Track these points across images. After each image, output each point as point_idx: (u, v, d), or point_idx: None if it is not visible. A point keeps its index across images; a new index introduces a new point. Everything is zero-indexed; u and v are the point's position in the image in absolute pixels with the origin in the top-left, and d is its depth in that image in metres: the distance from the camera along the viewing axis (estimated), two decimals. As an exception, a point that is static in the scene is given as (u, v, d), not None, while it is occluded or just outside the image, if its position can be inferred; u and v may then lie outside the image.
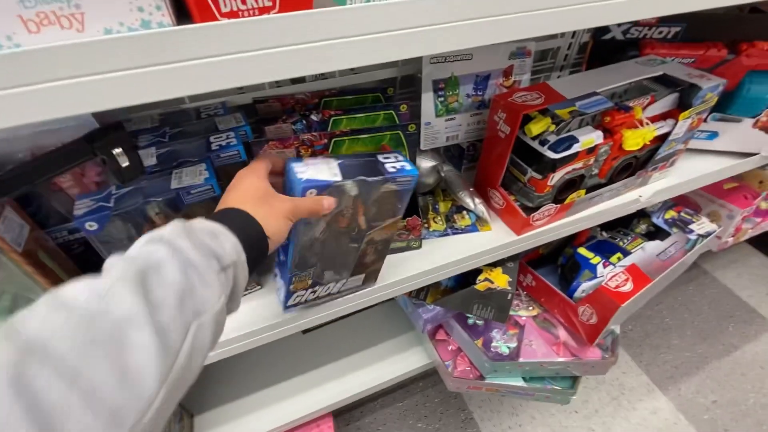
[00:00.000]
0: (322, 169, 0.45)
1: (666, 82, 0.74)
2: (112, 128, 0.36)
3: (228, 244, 0.35)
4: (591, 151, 0.69)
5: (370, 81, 0.74)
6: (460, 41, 0.40)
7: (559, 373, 0.86)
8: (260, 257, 0.39)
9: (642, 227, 0.95)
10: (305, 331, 1.05)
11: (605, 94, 0.70)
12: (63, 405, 0.21)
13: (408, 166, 0.49)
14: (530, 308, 0.92)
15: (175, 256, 0.30)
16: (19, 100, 0.27)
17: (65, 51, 0.26)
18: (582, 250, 0.88)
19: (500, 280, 0.76)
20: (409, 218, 0.65)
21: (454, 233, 0.73)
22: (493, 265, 0.80)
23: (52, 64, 0.27)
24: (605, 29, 0.85)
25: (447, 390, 1.22)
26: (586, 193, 0.74)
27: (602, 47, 0.86)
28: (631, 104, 0.70)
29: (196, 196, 0.48)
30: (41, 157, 0.33)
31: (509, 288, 0.75)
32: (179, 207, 0.49)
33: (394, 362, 0.99)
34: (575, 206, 0.75)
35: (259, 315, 0.60)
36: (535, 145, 0.67)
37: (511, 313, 0.91)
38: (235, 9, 0.29)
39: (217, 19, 0.29)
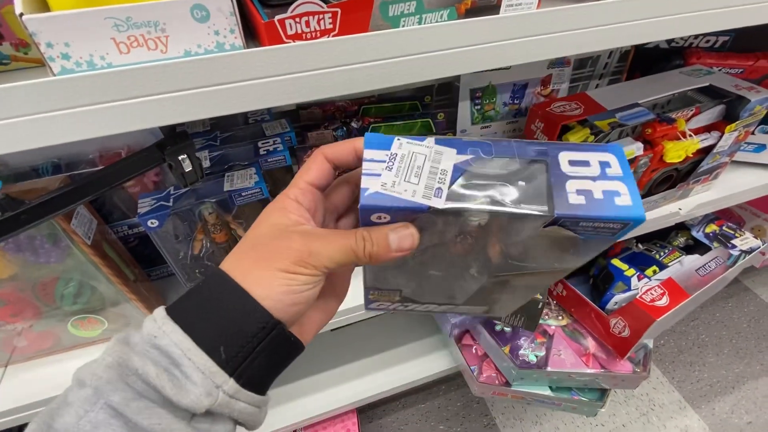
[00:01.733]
0: (415, 175, 0.24)
1: (712, 93, 0.72)
2: (179, 137, 0.39)
3: (196, 377, 0.21)
4: (631, 162, 0.68)
5: (408, 88, 0.76)
6: (503, 60, 0.41)
7: (588, 384, 0.85)
8: (280, 358, 0.25)
9: (680, 240, 0.92)
10: (333, 329, 1.08)
11: (647, 104, 0.69)
12: None
13: (628, 203, 0.25)
14: (560, 318, 0.91)
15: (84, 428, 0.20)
16: (110, 114, 0.30)
17: (151, 71, 0.29)
18: (616, 262, 0.87)
19: (531, 288, 0.76)
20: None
21: (486, 240, 0.74)
22: (524, 273, 0.80)
23: (140, 82, 0.30)
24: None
25: (469, 394, 1.23)
26: (623, 204, 0.73)
27: (644, 56, 0.85)
28: (674, 116, 0.69)
29: (246, 198, 0.52)
30: (118, 163, 0.37)
31: (541, 297, 0.75)
32: (230, 208, 0.52)
33: (419, 364, 1.01)
34: (611, 217, 0.74)
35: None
36: (573, 155, 0.67)
37: (540, 321, 0.91)
38: (299, 31, 0.32)
39: (283, 42, 0.32)
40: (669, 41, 0.82)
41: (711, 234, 0.90)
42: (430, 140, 0.26)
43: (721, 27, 0.49)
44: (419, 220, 0.25)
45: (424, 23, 0.35)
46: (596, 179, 0.25)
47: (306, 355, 1.02)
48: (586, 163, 0.26)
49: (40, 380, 0.57)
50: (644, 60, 0.85)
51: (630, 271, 0.84)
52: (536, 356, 0.84)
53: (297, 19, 0.31)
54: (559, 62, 0.74)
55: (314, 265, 0.24)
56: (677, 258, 0.86)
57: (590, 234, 0.26)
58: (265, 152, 0.57)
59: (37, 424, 0.20)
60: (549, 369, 0.81)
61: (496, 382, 0.89)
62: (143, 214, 0.48)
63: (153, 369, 0.20)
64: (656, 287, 0.76)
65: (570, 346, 0.86)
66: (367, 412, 1.20)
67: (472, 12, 0.38)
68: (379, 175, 0.24)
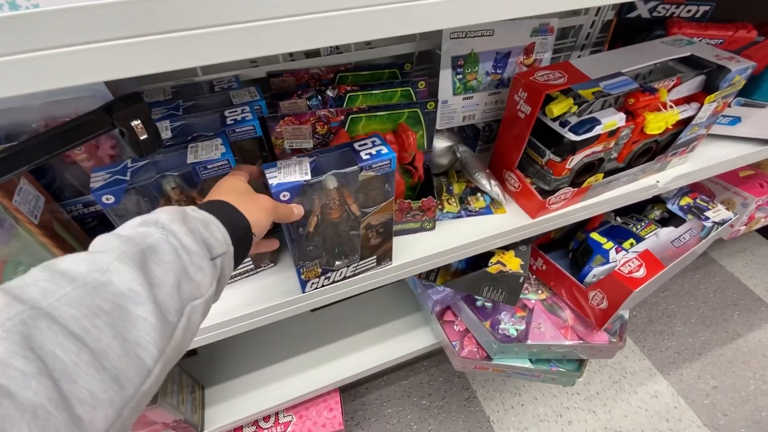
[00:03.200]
0: (294, 171, 0.47)
1: (693, 63, 0.71)
2: (131, 99, 0.35)
3: (219, 234, 0.35)
4: (612, 134, 0.67)
5: (386, 56, 0.72)
6: (483, 14, 0.38)
7: (566, 356, 0.87)
8: (244, 251, 0.40)
9: (656, 213, 0.94)
10: (314, 310, 1.06)
11: (629, 74, 0.68)
12: (73, 365, 0.22)
13: (384, 150, 0.49)
14: (539, 292, 0.92)
15: (170, 240, 0.31)
16: (36, 64, 0.26)
17: (85, 12, 0.25)
18: (595, 235, 0.87)
19: (513, 263, 0.76)
20: (424, 199, 0.64)
21: (468, 215, 0.73)
22: (506, 248, 0.79)
23: (69, 27, 0.25)
24: (631, 6, 0.81)
25: (451, 369, 1.25)
26: (604, 177, 0.73)
27: (626, 26, 0.83)
28: (656, 86, 0.68)
29: (212, 171, 0.48)
30: (59, 127, 0.32)
31: (522, 272, 0.75)
32: (195, 182, 0.48)
33: (401, 341, 1.01)
34: (591, 190, 0.74)
35: (275, 292, 0.60)
36: (556, 126, 0.65)
37: (522, 296, 0.91)
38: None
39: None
40: (650, 10, 0.81)
41: (685, 206, 0.91)
42: (295, 157, 0.49)
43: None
44: (304, 192, 0.47)
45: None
46: (372, 148, 0.50)
47: (288, 335, 1.00)
48: (366, 145, 0.51)
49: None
50: (626, 30, 0.83)
51: (608, 245, 0.85)
52: (516, 330, 0.85)
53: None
54: (543, 30, 0.71)
55: (275, 215, 0.44)
56: (653, 230, 0.87)
57: (381, 170, 0.49)
58: (233, 122, 0.53)
59: (130, 247, 0.29)
60: (529, 342, 0.82)
61: (477, 356, 0.89)
62: (97, 189, 0.43)
63: (198, 222, 0.34)
64: (633, 259, 0.77)
65: (549, 319, 0.87)
66: (349, 390, 1.20)
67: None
68: (276, 176, 0.47)
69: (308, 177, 0.46)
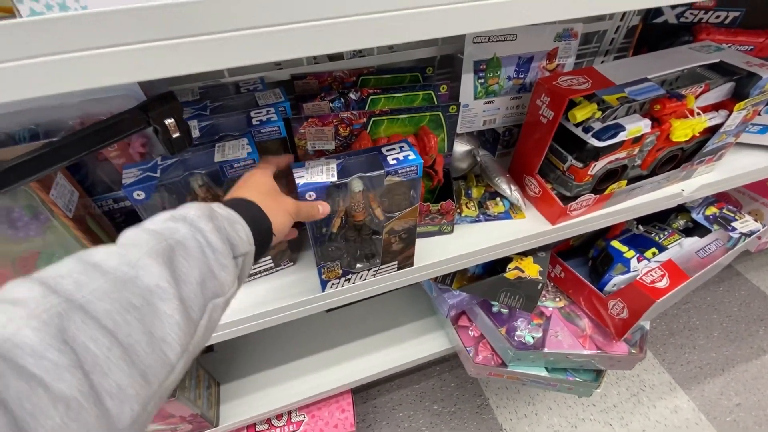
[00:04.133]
0: (320, 171, 0.48)
1: (722, 70, 0.70)
2: (165, 99, 0.36)
3: (243, 234, 0.35)
4: (637, 140, 0.66)
5: (408, 60, 0.73)
6: (507, 19, 0.38)
7: (583, 365, 0.85)
8: (264, 250, 0.40)
9: (680, 222, 0.92)
10: (329, 310, 1.06)
11: (656, 80, 0.67)
12: (105, 359, 0.22)
13: (411, 156, 0.49)
14: (557, 299, 0.91)
15: (197, 237, 0.31)
16: (84, 65, 0.27)
17: (131, 14, 0.26)
18: (615, 243, 0.86)
19: (531, 269, 0.75)
20: (443, 202, 0.64)
21: (486, 219, 0.72)
22: (524, 253, 0.78)
23: (119, 28, 0.26)
24: (657, 12, 0.80)
25: (464, 375, 1.24)
26: (627, 184, 0.71)
27: (652, 31, 0.82)
28: (683, 92, 0.66)
29: (238, 170, 0.49)
30: (99, 124, 0.34)
31: (540, 278, 0.74)
32: (221, 180, 0.49)
33: (414, 345, 1.00)
34: (614, 198, 0.72)
35: (294, 291, 0.60)
36: (579, 132, 0.65)
37: (539, 304, 0.90)
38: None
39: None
40: (678, 16, 0.79)
41: (711, 216, 0.89)
42: (323, 158, 0.50)
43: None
44: (329, 193, 0.48)
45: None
46: (399, 153, 0.50)
47: (302, 334, 1.01)
48: (394, 150, 0.51)
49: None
50: (652, 36, 0.82)
51: (629, 253, 0.83)
52: (533, 337, 0.84)
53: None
54: (566, 35, 0.71)
55: (298, 216, 0.45)
56: (677, 240, 0.85)
57: (407, 175, 0.49)
58: (258, 122, 0.54)
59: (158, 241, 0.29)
60: (546, 350, 0.81)
61: (492, 363, 0.89)
62: (128, 185, 0.45)
63: (224, 220, 0.34)
64: (656, 269, 0.76)
65: (567, 327, 0.85)
66: (361, 392, 1.20)
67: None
68: (303, 176, 0.47)
69: (335, 178, 0.46)
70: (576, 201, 0.68)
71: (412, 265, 0.62)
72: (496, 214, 0.73)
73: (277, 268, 0.64)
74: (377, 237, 0.55)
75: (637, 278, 0.75)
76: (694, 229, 0.90)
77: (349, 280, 0.59)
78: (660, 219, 0.94)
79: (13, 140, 0.48)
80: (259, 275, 0.63)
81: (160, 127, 0.36)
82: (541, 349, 0.81)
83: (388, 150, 0.50)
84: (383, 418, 1.16)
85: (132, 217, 0.60)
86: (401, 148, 0.50)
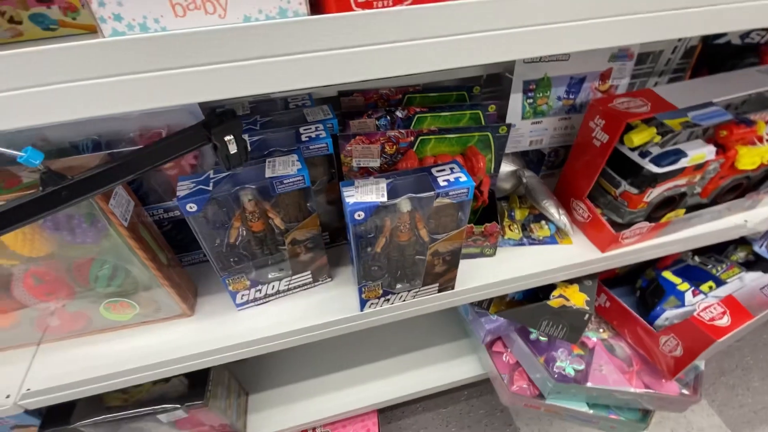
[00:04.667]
0: (370, 191, 0.48)
1: (795, 94, 0.65)
2: (225, 116, 0.37)
3: None
4: (699, 167, 0.62)
5: (454, 78, 0.72)
6: (559, 46, 0.36)
7: (629, 404, 0.80)
8: None
9: (740, 255, 0.85)
10: (358, 326, 1.05)
11: (720, 105, 0.63)
12: None
13: (462, 178, 0.48)
14: (601, 330, 0.86)
15: None
16: (163, 83, 0.28)
17: (208, 37, 0.26)
18: (667, 274, 0.80)
19: (577, 298, 0.71)
20: (488, 224, 0.62)
21: (530, 243, 0.70)
22: (569, 281, 0.75)
23: (195, 49, 0.27)
24: (720, 33, 0.76)
25: (493, 402, 1.19)
26: (686, 213, 0.67)
27: (713, 52, 0.78)
28: (753, 118, 0.62)
29: (287, 186, 0.49)
30: (164, 140, 0.35)
31: (587, 308, 0.70)
32: (270, 195, 0.50)
33: (445, 368, 0.97)
34: (670, 226, 0.68)
35: (332, 308, 0.60)
36: (635, 156, 0.62)
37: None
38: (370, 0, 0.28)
39: (352, 9, 0.28)
40: (743, 37, 0.75)
41: (776, 250, 0.82)
42: (372, 178, 0.50)
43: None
44: (377, 213, 0.47)
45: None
46: (450, 175, 0.49)
47: (331, 350, 1.00)
48: (444, 172, 0.50)
49: (70, 361, 0.56)
50: (713, 57, 0.78)
51: (683, 285, 0.78)
52: (574, 370, 0.79)
53: (369, -14, 0.28)
54: (622, 55, 0.68)
55: None
56: (736, 274, 0.79)
57: (457, 198, 0.48)
58: (307, 138, 0.55)
59: None
60: (589, 385, 0.76)
61: (528, 393, 0.84)
62: (183, 197, 0.46)
63: None
64: (716, 305, 0.70)
65: (612, 361, 0.80)
66: (386, 412, 1.17)
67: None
68: (353, 195, 0.47)
69: (384, 199, 0.45)
70: (629, 228, 0.65)
71: (453, 288, 0.60)
72: (540, 238, 0.70)
73: (316, 284, 0.63)
74: (420, 258, 0.54)
75: (694, 314, 0.69)
76: (756, 263, 0.83)
77: (388, 300, 0.58)
78: (717, 250, 0.88)
79: (77, 149, 0.50)
80: (298, 289, 0.63)
81: (220, 143, 0.37)
82: (584, 384, 0.76)
83: (438, 171, 0.49)
84: (408, 441, 1.12)
85: (177, 226, 0.61)
86: (452, 169, 0.49)
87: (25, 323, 0.55)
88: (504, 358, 0.90)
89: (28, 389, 0.53)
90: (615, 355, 0.82)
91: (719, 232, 0.71)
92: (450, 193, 0.47)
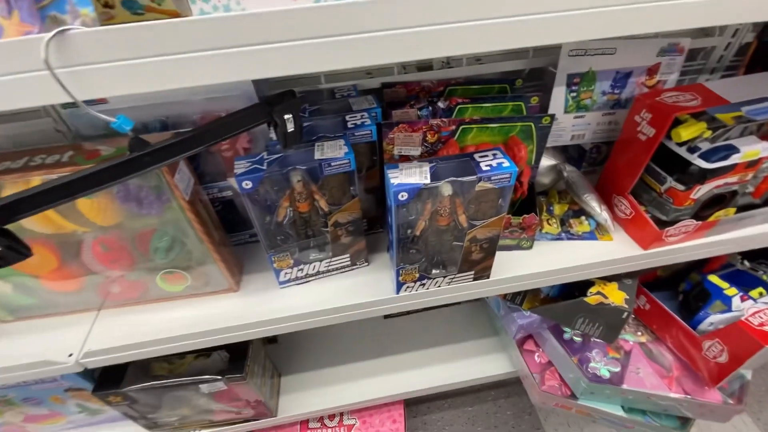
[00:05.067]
0: (414, 173, 0.49)
1: None
2: (286, 95, 0.39)
3: None
4: (752, 164, 0.60)
5: (496, 72, 0.72)
6: (604, 29, 0.37)
7: (667, 410, 0.77)
8: None
9: (794, 262, 0.81)
10: (386, 316, 1.07)
11: (775, 101, 0.60)
12: None
13: (505, 163, 0.49)
14: (638, 333, 0.83)
15: None
16: (243, 59, 0.30)
17: (284, 16, 0.29)
18: (713, 278, 0.77)
19: (616, 296, 0.70)
20: (526, 216, 0.62)
21: (569, 238, 0.69)
22: (608, 279, 0.73)
23: (273, 27, 0.29)
24: (778, 27, 0.73)
25: (521, 403, 1.17)
26: (736, 212, 0.65)
27: (766, 51, 0.74)
28: (813, 114, 0.59)
29: (334, 168, 0.51)
30: (228, 117, 0.38)
31: (626, 306, 0.68)
32: (318, 177, 0.52)
33: (473, 364, 0.97)
34: (718, 226, 0.66)
35: (369, 290, 0.62)
36: (682, 151, 0.60)
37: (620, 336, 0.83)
38: (432, -19, 0.30)
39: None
40: (805, 32, 0.71)
41: (836, 258, 0.77)
42: (416, 162, 0.51)
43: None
44: (419, 195, 0.49)
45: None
46: (493, 160, 0.50)
47: (361, 338, 1.02)
48: (487, 157, 0.51)
49: (126, 326, 0.61)
50: (767, 56, 0.75)
51: (731, 291, 0.74)
52: (609, 371, 0.77)
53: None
54: (671, 50, 0.67)
55: None
56: (790, 281, 0.75)
57: (499, 183, 0.49)
58: (353, 126, 0.57)
59: None
60: (625, 386, 0.74)
61: (560, 393, 0.83)
62: (239, 174, 0.49)
63: None
64: (766, 310, 0.67)
65: (650, 365, 0.78)
66: (412, 406, 1.18)
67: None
68: (397, 177, 0.49)
69: (427, 181, 0.47)
70: (674, 226, 0.63)
71: (488, 277, 0.61)
72: (580, 233, 0.69)
73: (353, 267, 0.66)
74: (458, 243, 0.55)
75: (742, 318, 0.66)
76: (813, 271, 0.79)
77: (424, 284, 0.59)
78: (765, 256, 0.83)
79: (146, 129, 0.55)
80: (336, 272, 0.65)
81: (280, 121, 0.40)
82: (620, 385, 0.75)
83: (481, 156, 0.50)
84: (433, 436, 1.13)
85: (228, 207, 0.65)
86: (494, 155, 0.50)
87: (89, 289, 0.60)
88: (536, 358, 0.89)
89: (89, 350, 0.58)
90: (653, 360, 0.79)
91: (771, 235, 0.68)
92: (492, 178, 0.47)
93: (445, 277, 0.59)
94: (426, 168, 0.49)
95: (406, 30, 0.30)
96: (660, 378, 0.76)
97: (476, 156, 0.50)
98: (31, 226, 0.49)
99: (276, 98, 0.39)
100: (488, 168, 0.48)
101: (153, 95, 0.53)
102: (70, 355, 0.57)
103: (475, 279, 0.61)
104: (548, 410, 1.16)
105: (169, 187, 0.49)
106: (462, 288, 0.62)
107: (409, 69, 0.71)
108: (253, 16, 0.29)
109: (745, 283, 0.77)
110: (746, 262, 0.80)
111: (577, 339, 0.84)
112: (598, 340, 0.82)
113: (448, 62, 0.72)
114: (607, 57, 0.65)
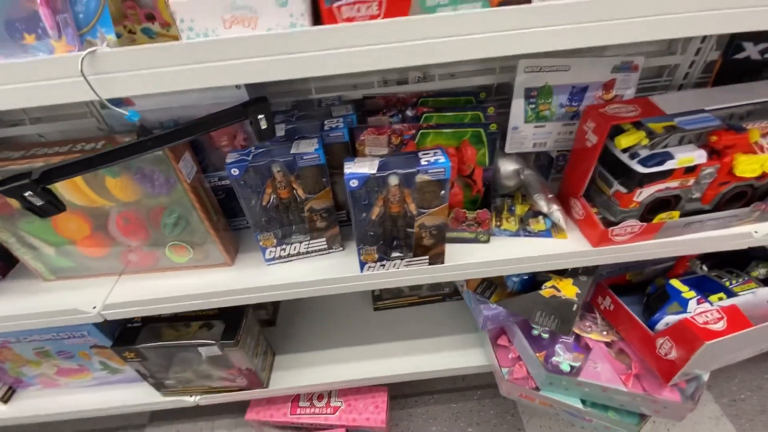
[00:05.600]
0: (364, 165, 0.59)
1: (805, 106, 0.66)
2: (259, 100, 0.51)
3: None
4: (690, 171, 0.65)
5: (468, 86, 0.82)
6: (529, 47, 0.45)
7: (624, 405, 0.80)
8: None
9: (761, 271, 0.83)
10: (377, 309, 1.15)
11: (721, 113, 0.66)
12: None
13: (441, 159, 0.58)
14: (604, 333, 0.87)
15: None
16: (217, 70, 0.42)
17: (244, 41, 0.40)
18: (675, 282, 0.81)
19: (568, 290, 0.76)
20: (479, 210, 0.70)
21: (526, 235, 0.76)
22: (565, 275, 0.79)
23: (237, 49, 0.41)
24: (738, 48, 0.77)
25: (504, 404, 1.21)
26: (683, 216, 0.69)
27: (733, 67, 0.79)
28: (748, 126, 0.64)
29: (306, 161, 0.62)
30: (214, 114, 0.49)
31: (575, 299, 0.74)
32: (294, 168, 0.63)
33: (452, 356, 1.03)
34: (667, 229, 0.71)
35: (340, 269, 0.71)
36: (624, 157, 0.67)
37: (583, 335, 0.88)
38: (352, 16, 0.41)
39: (338, 23, 0.41)
40: (762, 52, 0.76)
41: (802, 269, 0.79)
42: (369, 156, 0.64)
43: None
44: (369, 184, 0.58)
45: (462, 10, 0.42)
46: (432, 157, 0.60)
47: (351, 327, 1.11)
48: (428, 155, 0.60)
49: (141, 288, 0.74)
50: (732, 72, 0.79)
51: (690, 294, 0.78)
52: (570, 366, 0.82)
53: (351, 6, 0.40)
54: (625, 67, 0.74)
55: None
56: (751, 289, 0.78)
57: (435, 175, 0.57)
58: (329, 128, 0.68)
59: None
60: (580, 378, 0.79)
61: (525, 385, 0.88)
62: (229, 163, 0.61)
63: None
64: (713, 311, 0.71)
65: (611, 362, 0.82)
66: (399, 399, 1.25)
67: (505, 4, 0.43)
68: (350, 167, 0.58)
69: (374, 171, 0.57)
70: (619, 226, 0.69)
71: (442, 262, 0.69)
72: (536, 231, 0.76)
73: (329, 251, 0.76)
74: (410, 230, 0.64)
75: (688, 317, 0.70)
76: (778, 281, 0.81)
77: (384, 266, 0.68)
78: (739, 266, 0.86)
79: (162, 127, 0.68)
80: (314, 253, 0.75)
81: (254, 120, 0.51)
82: (576, 377, 0.79)
83: (423, 154, 0.59)
84: (416, 428, 1.18)
85: (230, 196, 0.77)
86: (435, 153, 0.59)
87: (112, 256, 0.74)
88: (509, 354, 0.95)
89: (108, 303, 0.71)
90: (616, 358, 0.83)
91: (725, 240, 0.72)
92: (429, 171, 0.57)
93: (402, 259, 0.68)
94: (376, 162, 0.59)
95: (377, 46, 0.41)
96: (617, 374, 0.80)
97: (420, 154, 0.60)
98: (70, 198, 0.63)
99: (251, 102, 0.51)
100: (426, 163, 0.57)
101: (168, 100, 0.66)
102: (94, 307, 0.71)
103: (430, 264, 0.69)
104: (531, 412, 1.19)
105: (174, 171, 0.61)
106: (419, 272, 0.70)
107: (390, 83, 0.82)
108: (229, 40, 0.41)
109: (708, 288, 0.80)
110: (704, 267, 0.83)
111: (545, 336, 0.89)
112: (567, 339, 0.88)
113: (423, 77, 0.82)
114: (561, 73, 0.73)
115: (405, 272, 0.70)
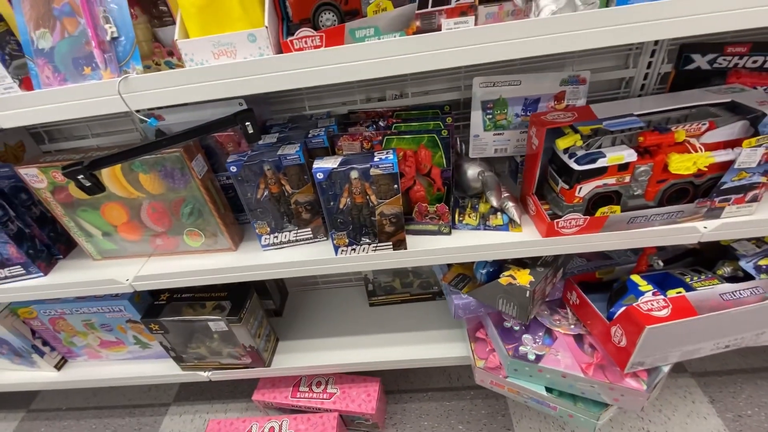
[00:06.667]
0: (329, 161, 0.73)
1: (735, 108, 0.72)
2: (246, 111, 0.67)
3: None
4: (624, 168, 0.73)
5: (438, 101, 0.94)
6: (440, 64, 0.57)
7: (585, 393, 0.84)
8: None
9: (726, 270, 0.85)
10: (372, 304, 1.26)
11: (659, 117, 0.73)
12: None
13: (390, 157, 0.71)
14: (572, 326, 0.93)
15: None
16: (209, 88, 0.59)
17: (227, 67, 0.57)
18: (635, 277, 0.86)
19: (523, 278, 0.83)
20: (438, 205, 0.81)
21: (485, 229, 0.85)
22: (523, 266, 0.87)
23: (223, 73, 0.57)
24: (688, 59, 0.84)
25: (496, 405, 1.25)
26: (625, 211, 0.76)
27: (685, 78, 0.86)
28: (678, 128, 0.71)
29: (289, 161, 0.77)
30: (211, 122, 0.66)
31: (528, 286, 0.81)
32: (280, 167, 0.79)
33: (438, 348, 1.11)
34: (611, 224, 0.77)
35: (321, 254, 0.85)
36: (564, 157, 0.75)
37: (553, 328, 0.93)
38: (302, 46, 0.56)
39: (292, 51, 0.56)
40: (710, 62, 0.82)
41: (764, 267, 0.81)
42: (335, 156, 0.77)
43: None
44: (333, 176, 0.72)
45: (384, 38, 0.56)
46: (383, 155, 0.73)
47: (349, 320, 1.23)
48: (382, 154, 0.74)
49: (165, 267, 0.91)
50: (685, 82, 0.86)
51: (646, 287, 0.83)
52: (535, 354, 0.88)
53: (300, 40, 0.55)
54: (573, 80, 0.83)
55: None
56: (712, 285, 0.81)
57: (385, 170, 0.70)
58: (312, 136, 0.83)
59: None
60: (541, 365, 0.85)
61: (496, 373, 0.94)
62: (230, 162, 0.77)
63: None
64: (659, 300, 0.75)
65: (573, 351, 0.87)
66: (395, 393, 1.33)
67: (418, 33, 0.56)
68: (318, 164, 0.73)
69: (335, 166, 0.70)
70: (563, 218, 0.77)
71: (405, 248, 0.80)
72: (494, 225, 0.85)
73: (315, 240, 0.89)
74: (373, 218, 0.76)
75: (633, 305, 0.75)
76: (742, 280, 0.83)
77: (354, 249, 0.80)
78: (707, 265, 0.89)
79: (185, 137, 0.87)
80: (302, 242, 0.89)
81: (242, 126, 0.67)
82: (537, 364, 0.85)
83: (378, 154, 0.72)
84: (408, 422, 1.25)
85: (235, 195, 0.94)
86: (387, 153, 0.72)
87: (144, 240, 0.92)
88: (486, 347, 1.02)
89: (138, 275, 0.89)
90: (580, 348, 0.88)
91: (672, 235, 0.77)
92: (380, 166, 0.69)
93: (370, 244, 0.80)
94: (339, 159, 0.72)
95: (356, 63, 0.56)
96: (578, 362, 0.84)
97: (375, 153, 0.73)
98: (114, 190, 0.82)
99: (240, 113, 0.67)
100: (378, 160, 0.70)
101: (190, 116, 0.85)
102: (127, 279, 0.89)
103: (394, 249, 0.81)
104: (521, 413, 1.22)
105: (188, 169, 0.79)
106: (386, 256, 0.81)
107: (372, 100, 0.97)
108: (218, 66, 0.58)
109: (668, 284, 0.84)
110: (660, 262, 0.87)
111: (516, 328, 0.95)
112: (538, 332, 0.94)
113: (400, 95, 0.96)
114: (513, 87, 0.84)
115: (373, 256, 0.81)
